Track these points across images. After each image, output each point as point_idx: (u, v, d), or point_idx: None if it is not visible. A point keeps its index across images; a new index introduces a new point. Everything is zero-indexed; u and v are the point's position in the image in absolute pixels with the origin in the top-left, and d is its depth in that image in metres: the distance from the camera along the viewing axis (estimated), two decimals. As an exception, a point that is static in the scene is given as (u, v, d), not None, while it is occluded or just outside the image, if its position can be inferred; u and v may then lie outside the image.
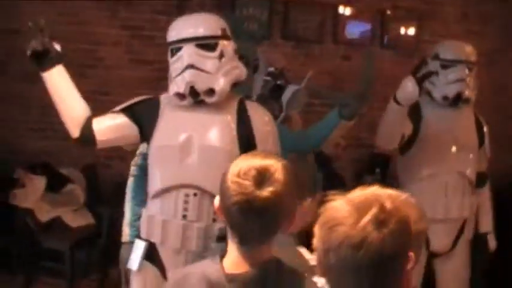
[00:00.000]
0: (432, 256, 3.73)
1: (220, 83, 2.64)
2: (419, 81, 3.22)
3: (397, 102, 3.36)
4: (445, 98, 3.60)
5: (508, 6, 5.90)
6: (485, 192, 3.96)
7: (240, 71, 2.75)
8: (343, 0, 5.54)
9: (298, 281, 1.68)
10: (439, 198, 3.63)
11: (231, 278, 1.61)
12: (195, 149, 2.61)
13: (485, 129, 3.87)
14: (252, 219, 1.59)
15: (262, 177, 1.58)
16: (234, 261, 1.64)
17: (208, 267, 1.67)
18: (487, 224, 3.92)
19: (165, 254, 2.67)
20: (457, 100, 3.62)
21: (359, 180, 5.22)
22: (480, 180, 3.86)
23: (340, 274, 1.36)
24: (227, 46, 2.73)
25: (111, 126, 2.75)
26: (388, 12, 5.64)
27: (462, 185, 3.70)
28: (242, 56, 2.94)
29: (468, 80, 3.61)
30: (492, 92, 5.31)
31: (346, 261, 1.32)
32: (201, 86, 2.62)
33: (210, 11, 3.02)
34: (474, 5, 5.87)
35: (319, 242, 1.38)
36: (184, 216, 2.61)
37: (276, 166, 1.62)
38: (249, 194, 1.57)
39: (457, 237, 3.77)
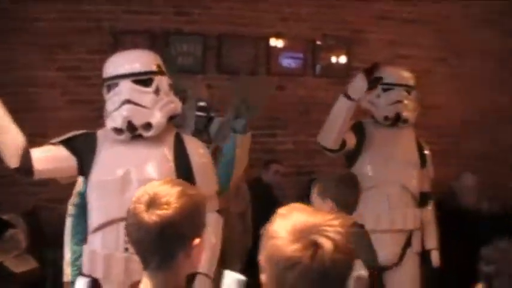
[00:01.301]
0: (382, 270, 3.86)
1: (157, 117, 2.72)
2: (369, 79, 3.57)
3: (348, 97, 3.63)
4: (386, 118, 3.91)
5: (431, 30, 6.18)
6: (429, 211, 4.14)
7: (176, 105, 2.84)
8: (274, 32, 5.67)
9: None
10: (383, 210, 3.81)
11: None
12: (134, 182, 2.65)
13: (426, 151, 4.11)
14: (144, 242, 1.67)
15: (151, 202, 1.66)
16: (144, 286, 1.72)
17: None
18: (431, 241, 4.09)
19: None
20: (397, 120, 3.90)
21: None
22: (424, 199, 4.06)
23: None
24: (162, 81, 2.81)
25: (49, 156, 2.77)
26: (318, 42, 5.79)
27: (405, 198, 3.91)
28: (181, 90, 3.05)
29: (407, 102, 3.92)
30: (421, 112, 5.50)
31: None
32: (138, 121, 2.69)
33: (143, 49, 3.10)
34: (400, 30, 6.11)
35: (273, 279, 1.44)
36: (126, 249, 2.63)
37: (168, 191, 1.68)
38: (138, 217, 1.66)
39: (404, 249, 3.93)
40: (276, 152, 5.60)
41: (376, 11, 6.02)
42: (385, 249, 3.71)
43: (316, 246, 1.37)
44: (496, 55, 6.52)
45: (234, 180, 3.47)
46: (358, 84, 3.66)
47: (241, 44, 5.59)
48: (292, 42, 5.73)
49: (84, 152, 2.78)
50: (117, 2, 5.34)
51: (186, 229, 1.69)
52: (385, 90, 3.96)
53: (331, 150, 3.89)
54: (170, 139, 2.81)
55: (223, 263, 3.39)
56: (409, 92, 3.98)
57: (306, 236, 1.39)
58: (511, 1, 6.12)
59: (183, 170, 2.74)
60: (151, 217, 1.64)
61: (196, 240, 1.72)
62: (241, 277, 2.20)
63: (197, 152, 2.86)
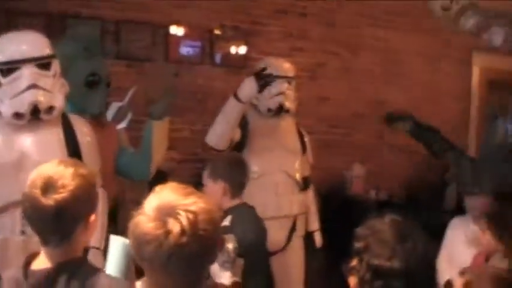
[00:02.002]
0: (269, 255, 4.00)
1: (59, 100, 2.75)
2: (259, 81, 3.73)
3: (238, 100, 3.76)
4: (269, 110, 4.05)
5: (324, 25, 6.38)
6: (310, 195, 4.33)
7: (66, 87, 2.86)
8: (173, 20, 5.67)
9: (94, 277, 1.78)
10: (270, 197, 3.96)
11: (30, 274, 1.76)
12: (29, 165, 2.61)
13: (306, 138, 4.28)
14: (43, 224, 1.75)
15: (47, 186, 1.74)
16: (41, 260, 1.80)
17: (15, 270, 1.83)
18: (313, 223, 4.28)
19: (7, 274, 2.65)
20: (279, 111, 4.03)
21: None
22: (306, 184, 4.23)
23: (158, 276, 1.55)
24: (57, 64, 2.82)
25: None
26: (217, 31, 5.86)
27: (291, 185, 4.07)
28: (95, 73, 3.07)
29: (288, 92, 4.03)
30: (315, 104, 5.71)
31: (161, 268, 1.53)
32: (43, 105, 2.69)
33: (40, 32, 3.05)
34: (296, 24, 6.27)
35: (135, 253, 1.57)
36: (23, 232, 2.61)
37: (62, 173, 1.77)
38: (35, 202, 1.73)
39: (290, 234, 4.09)
40: (172, 139, 5.60)
41: (274, 4, 6.14)
42: (273, 235, 3.83)
43: (166, 227, 1.50)
44: (386, 52, 6.84)
45: (154, 167, 3.49)
46: (248, 87, 3.81)
47: (140, 30, 5.54)
48: (191, 30, 5.74)
49: None
50: (12, -18, 5.17)
51: (82, 208, 1.79)
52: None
53: (219, 150, 4.00)
54: (58, 120, 2.83)
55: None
56: (289, 83, 4.15)
57: (161, 217, 1.52)
58: (405, 1, 6.44)
59: (73, 149, 2.78)
60: (48, 201, 1.72)
61: (92, 217, 1.83)
62: (127, 240, 2.25)
63: (82, 130, 2.91)
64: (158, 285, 1.57)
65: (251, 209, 3.28)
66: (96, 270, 1.83)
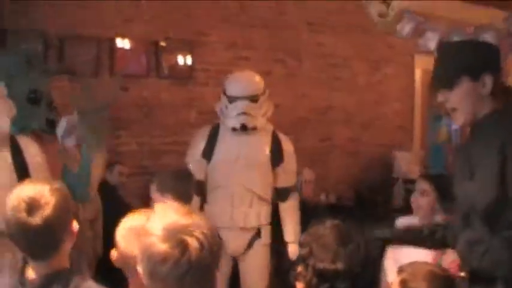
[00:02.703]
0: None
1: (5, 123, 2.75)
2: None
3: None
4: (234, 129, 4.06)
5: (268, 34, 6.46)
6: (288, 205, 4.36)
7: (13, 109, 2.85)
8: (117, 33, 5.66)
9: (81, 285, 1.90)
10: (225, 208, 4.00)
11: (22, 282, 1.87)
12: None
13: (285, 148, 4.29)
14: (31, 242, 1.85)
15: (31, 206, 1.83)
16: (31, 271, 1.90)
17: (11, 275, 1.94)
18: (288, 234, 4.30)
19: None
20: (244, 129, 4.08)
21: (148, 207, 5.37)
22: (282, 194, 4.26)
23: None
24: (2, 87, 2.81)
25: None
26: (162, 43, 5.87)
27: (249, 198, 4.09)
28: (36, 90, 3.06)
29: (252, 111, 4.07)
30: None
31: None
32: None
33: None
34: (240, 33, 6.34)
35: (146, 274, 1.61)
36: None
37: (41, 192, 1.86)
38: (22, 224, 1.82)
39: (252, 241, 4.14)
40: (119, 153, 5.61)
41: (218, 14, 6.19)
42: (230, 244, 4.00)
43: (184, 244, 1.55)
44: (329, 57, 6.96)
45: (92, 191, 3.51)
46: None
47: (83, 44, 5.50)
48: (136, 43, 5.74)
49: None
50: None
51: (65, 218, 1.91)
52: (230, 101, 4.14)
53: None
54: (6, 143, 2.83)
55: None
56: (255, 101, 4.14)
57: (176, 235, 1.57)
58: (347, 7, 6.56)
59: (21, 169, 2.78)
60: (36, 220, 1.82)
61: (74, 224, 1.96)
62: None
63: (29, 151, 2.94)
64: None
65: None
66: (85, 280, 1.93)
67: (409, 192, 5.90)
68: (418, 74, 7.68)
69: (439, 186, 3.44)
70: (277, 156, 4.26)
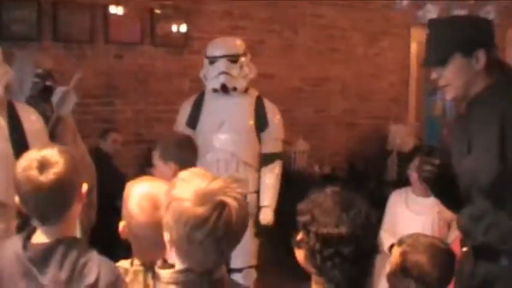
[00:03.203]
0: None
1: None
2: None
3: None
4: (214, 90, 4.08)
5: (264, 3, 6.41)
6: (270, 170, 4.33)
7: (10, 74, 2.81)
8: (112, 0, 5.61)
9: (87, 255, 1.89)
10: None
11: (29, 247, 1.87)
12: None
13: (270, 114, 4.28)
14: (43, 202, 1.84)
15: (42, 164, 1.83)
16: (39, 235, 1.90)
17: (15, 241, 1.93)
18: (264, 199, 4.31)
19: None
20: (225, 90, 4.06)
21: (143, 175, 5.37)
22: (266, 160, 4.27)
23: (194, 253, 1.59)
24: None
25: None
26: (157, 11, 5.82)
27: (235, 164, 4.09)
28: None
29: (233, 71, 4.04)
30: (257, 81, 5.74)
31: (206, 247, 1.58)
32: None
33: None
34: (236, 3, 6.27)
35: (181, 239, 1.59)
36: None
37: (51, 153, 1.87)
38: (33, 182, 1.81)
39: None
40: (114, 121, 5.59)
41: (214, -18, 6.14)
42: None
43: (223, 205, 1.56)
44: (326, 28, 6.92)
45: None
46: None
47: (78, 10, 5.45)
48: (130, 10, 5.69)
49: None
50: None
51: (75, 179, 1.90)
52: (211, 63, 4.17)
53: None
54: (3, 108, 2.79)
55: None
56: (235, 61, 4.16)
57: (213, 198, 1.56)
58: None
59: (18, 138, 2.74)
60: (48, 177, 1.82)
61: (84, 186, 1.94)
62: None
63: (29, 118, 2.87)
64: (194, 260, 1.61)
65: None
66: (90, 250, 1.91)
67: (402, 165, 5.94)
68: (413, 47, 7.65)
69: None
70: (261, 121, 4.26)
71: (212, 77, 4.14)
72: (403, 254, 2.31)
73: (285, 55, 6.61)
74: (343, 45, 7.07)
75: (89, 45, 5.53)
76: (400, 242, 2.38)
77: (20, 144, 2.68)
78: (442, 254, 2.32)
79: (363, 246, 1.81)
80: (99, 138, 5.21)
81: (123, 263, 2.03)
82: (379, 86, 7.40)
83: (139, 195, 2.02)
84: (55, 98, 3.41)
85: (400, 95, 7.65)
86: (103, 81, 5.56)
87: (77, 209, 1.93)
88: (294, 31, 6.71)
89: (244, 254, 4.18)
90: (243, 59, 4.21)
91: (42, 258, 1.84)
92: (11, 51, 3.80)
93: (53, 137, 3.27)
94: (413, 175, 3.79)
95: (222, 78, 4.10)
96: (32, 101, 3.30)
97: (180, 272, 1.63)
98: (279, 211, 4.37)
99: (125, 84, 5.67)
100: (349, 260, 1.79)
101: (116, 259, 2.04)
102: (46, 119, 3.15)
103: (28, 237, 1.90)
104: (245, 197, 1.67)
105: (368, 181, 6.31)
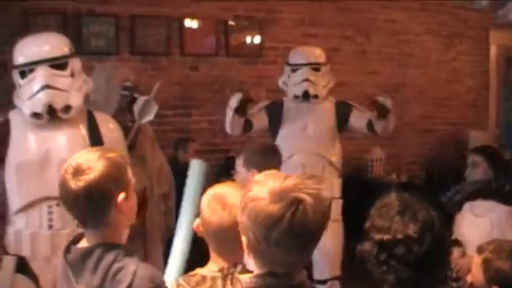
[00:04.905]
0: None
1: (76, 99, 2.80)
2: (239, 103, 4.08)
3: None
4: (296, 96, 4.22)
5: (335, 10, 6.38)
6: None
7: (89, 84, 2.91)
8: (187, 13, 5.71)
9: (124, 260, 1.86)
10: None
11: (72, 250, 1.90)
12: (53, 162, 2.70)
13: (347, 105, 4.32)
14: (76, 207, 1.86)
15: (76, 170, 1.85)
16: (83, 242, 1.92)
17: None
18: None
19: (36, 265, 2.73)
20: (306, 97, 4.18)
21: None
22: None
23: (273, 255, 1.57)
24: (75, 63, 2.87)
25: None
26: (231, 22, 5.89)
27: (321, 166, 4.10)
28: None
29: (313, 78, 4.17)
30: (332, 89, 5.74)
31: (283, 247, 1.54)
32: (58, 104, 2.75)
33: (55, 31, 3.10)
34: (308, 10, 6.28)
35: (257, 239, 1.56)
36: (50, 226, 2.71)
37: (89, 158, 1.88)
38: (67, 186, 1.84)
39: None
40: (191, 131, 5.68)
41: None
42: None
43: (298, 202, 1.52)
44: (399, 33, 6.83)
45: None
46: (233, 100, 4.13)
47: (154, 24, 5.59)
48: (205, 22, 5.78)
49: None
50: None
51: (109, 187, 1.86)
52: (293, 71, 4.28)
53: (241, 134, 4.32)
54: (83, 118, 2.88)
55: (147, 243, 3.48)
56: (317, 69, 4.25)
57: (287, 195, 1.53)
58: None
59: (97, 145, 2.79)
60: (77, 184, 1.82)
61: (121, 195, 1.88)
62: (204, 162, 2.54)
63: (108, 127, 2.95)
64: (273, 262, 1.59)
65: None
66: (129, 255, 1.88)
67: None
68: (493, 49, 7.44)
69: (489, 155, 3.50)
70: (342, 119, 4.29)
71: (295, 83, 4.23)
72: (486, 262, 2.24)
73: (358, 61, 6.56)
74: (417, 49, 6.95)
75: (165, 58, 5.66)
76: (481, 250, 2.30)
77: None
78: None
79: (421, 249, 1.78)
80: (178, 149, 5.29)
81: (200, 271, 2.04)
82: (456, 91, 7.22)
83: (210, 194, 2.04)
84: (136, 108, 3.48)
85: (479, 100, 7.45)
86: (179, 93, 5.67)
87: (117, 218, 1.90)
88: (367, 37, 6.65)
89: (328, 264, 4.16)
90: (324, 68, 4.30)
91: (79, 262, 1.85)
92: (91, 65, 3.94)
93: (134, 146, 3.35)
94: (468, 175, 3.72)
95: (306, 85, 4.18)
96: (119, 113, 3.40)
97: (260, 276, 1.60)
98: (355, 219, 4.32)
99: (200, 95, 5.76)
100: (405, 262, 1.76)
101: (192, 265, 2.06)
102: (127, 129, 3.23)
103: (75, 241, 1.92)
104: (323, 193, 1.62)
105: (446, 189, 6.15)
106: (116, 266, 1.82)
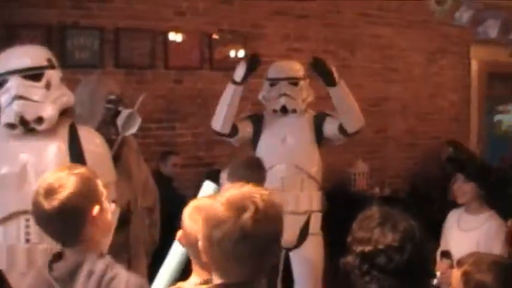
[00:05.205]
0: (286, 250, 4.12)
1: (49, 111, 2.75)
2: (248, 63, 4.06)
3: (233, 82, 4.08)
4: (274, 111, 4.18)
5: (321, 25, 6.42)
6: None
7: (68, 97, 2.87)
8: (171, 26, 5.71)
9: (113, 271, 1.87)
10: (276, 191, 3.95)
11: (54, 267, 1.89)
12: (31, 175, 2.67)
13: (323, 115, 4.31)
14: (52, 226, 1.89)
15: (48, 190, 1.87)
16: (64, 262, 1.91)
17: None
18: None
19: (12, 278, 2.69)
20: (285, 111, 4.18)
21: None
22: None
23: (224, 262, 1.59)
24: (53, 75, 2.83)
25: None
26: (215, 36, 5.91)
27: (300, 179, 4.09)
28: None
29: (292, 93, 4.15)
30: (315, 103, 5.77)
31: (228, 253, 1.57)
32: (30, 115, 2.71)
33: (39, 43, 3.09)
34: (293, 25, 6.32)
35: (204, 239, 1.61)
36: (27, 240, 2.66)
37: (59, 176, 1.90)
38: (40, 207, 1.87)
39: (303, 232, 4.11)
40: (175, 145, 5.68)
41: (271, 6, 6.19)
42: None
43: (243, 208, 1.56)
44: (383, 49, 6.88)
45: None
46: (239, 68, 4.08)
47: (138, 37, 5.59)
48: (190, 36, 5.79)
49: None
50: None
51: (82, 203, 1.89)
52: (271, 85, 4.29)
53: (223, 135, 4.21)
54: (64, 131, 2.84)
55: (131, 257, 3.45)
56: (295, 84, 4.25)
57: (238, 202, 1.58)
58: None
59: (77, 160, 2.76)
60: (51, 203, 1.84)
61: (96, 208, 1.91)
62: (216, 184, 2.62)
63: (92, 141, 2.90)
64: (227, 272, 1.61)
65: None
66: (117, 266, 1.90)
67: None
68: (474, 64, 7.52)
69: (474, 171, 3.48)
70: (319, 130, 4.28)
71: (273, 98, 4.23)
72: (466, 275, 2.24)
73: (342, 75, 6.57)
74: (401, 64, 7.02)
75: (150, 71, 5.65)
76: (461, 263, 2.30)
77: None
78: (507, 270, 2.24)
79: (402, 258, 1.80)
80: (160, 161, 5.29)
81: (181, 284, 2.04)
82: (439, 105, 7.29)
83: (191, 206, 2.06)
84: (120, 121, 3.47)
85: (461, 115, 7.52)
86: (163, 106, 5.66)
87: (93, 233, 1.92)
88: (351, 52, 6.69)
89: (309, 277, 4.17)
90: (302, 82, 4.30)
91: (67, 277, 1.85)
92: (76, 78, 3.93)
93: (118, 159, 3.33)
94: (457, 190, 3.74)
95: (283, 100, 4.18)
96: (103, 126, 3.38)
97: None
98: (337, 233, 4.32)
99: (184, 108, 5.76)
100: (387, 272, 1.79)
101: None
102: (111, 142, 3.21)
103: (54, 259, 1.92)
104: (276, 200, 1.64)
105: (430, 203, 6.19)
106: (109, 276, 1.84)
